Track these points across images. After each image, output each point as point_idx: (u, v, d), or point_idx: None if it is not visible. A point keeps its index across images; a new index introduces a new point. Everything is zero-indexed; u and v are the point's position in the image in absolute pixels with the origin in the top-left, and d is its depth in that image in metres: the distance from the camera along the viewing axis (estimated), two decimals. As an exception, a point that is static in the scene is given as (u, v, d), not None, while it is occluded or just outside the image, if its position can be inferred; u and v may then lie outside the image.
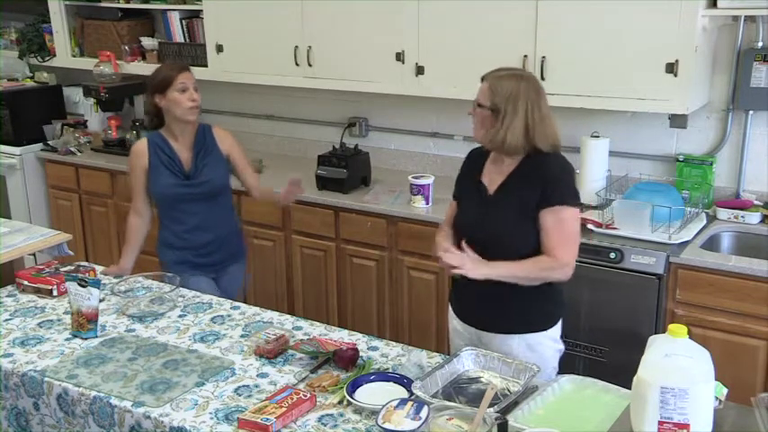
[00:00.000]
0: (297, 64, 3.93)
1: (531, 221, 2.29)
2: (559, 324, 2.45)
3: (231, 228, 3.17)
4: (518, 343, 2.37)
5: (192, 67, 4.35)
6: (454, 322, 2.55)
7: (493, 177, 2.39)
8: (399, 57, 3.64)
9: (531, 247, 2.31)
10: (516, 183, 2.33)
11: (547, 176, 2.29)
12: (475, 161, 2.48)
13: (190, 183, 3.01)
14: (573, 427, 1.85)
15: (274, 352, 2.29)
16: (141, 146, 3.05)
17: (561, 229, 2.28)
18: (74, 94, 5.08)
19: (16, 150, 4.74)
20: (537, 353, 2.36)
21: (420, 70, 3.61)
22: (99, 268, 3.00)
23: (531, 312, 2.38)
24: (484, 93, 2.30)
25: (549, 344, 2.41)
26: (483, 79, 2.34)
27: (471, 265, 2.27)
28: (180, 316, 2.61)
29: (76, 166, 4.63)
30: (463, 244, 2.34)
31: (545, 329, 2.40)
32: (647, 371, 1.65)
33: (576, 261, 3.08)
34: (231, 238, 3.16)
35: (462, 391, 2.07)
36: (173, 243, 3.07)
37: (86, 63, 4.79)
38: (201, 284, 2.97)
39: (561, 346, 2.47)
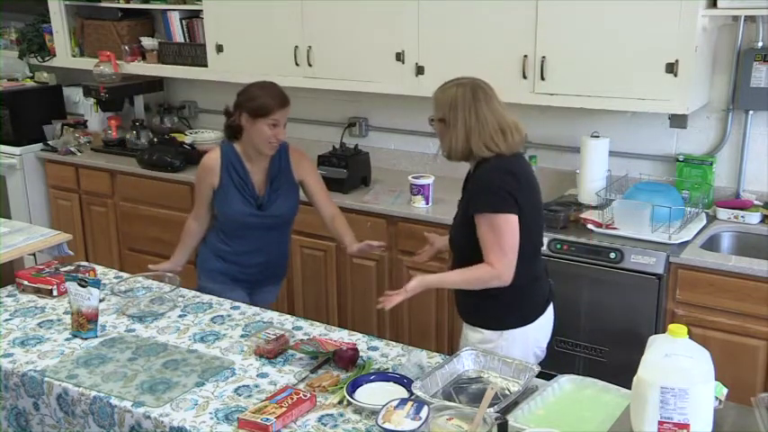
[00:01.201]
0: (297, 64, 3.93)
1: (471, 227, 2.34)
2: (523, 330, 2.44)
3: (283, 252, 3.10)
4: (474, 335, 2.46)
5: (191, 67, 4.43)
6: None
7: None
8: (399, 57, 3.64)
9: (478, 252, 2.34)
10: (464, 189, 2.45)
11: (474, 183, 2.37)
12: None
13: (262, 213, 2.90)
14: (573, 427, 1.85)
15: (274, 352, 2.29)
16: (213, 161, 2.90)
17: (489, 235, 2.30)
18: (74, 94, 5.08)
19: (16, 150, 4.73)
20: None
21: (420, 70, 3.61)
22: (99, 268, 3.00)
23: (484, 308, 2.44)
24: (433, 107, 2.41)
25: (503, 344, 2.41)
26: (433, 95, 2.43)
27: (411, 285, 2.38)
28: (180, 316, 2.61)
29: (76, 166, 4.63)
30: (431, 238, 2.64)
31: (497, 329, 2.43)
32: (647, 371, 1.65)
33: (577, 261, 3.09)
34: (280, 262, 3.09)
35: (462, 391, 2.07)
36: (224, 256, 2.97)
37: (86, 63, 4.79)
38: (237, 299, 2.92)
39: (529, 351, 2.45)
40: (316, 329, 2.50)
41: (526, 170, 2.43)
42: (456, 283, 2.44)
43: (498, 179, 2.32)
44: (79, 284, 2.44)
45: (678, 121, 3.34)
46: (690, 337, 1.68)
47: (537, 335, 2.51)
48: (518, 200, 2.32)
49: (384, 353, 2.32)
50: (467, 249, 2.38)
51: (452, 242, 2.52)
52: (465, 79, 2.39)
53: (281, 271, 3.15)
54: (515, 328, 2.44)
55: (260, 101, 2.78)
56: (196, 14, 4.43)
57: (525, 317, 2.46)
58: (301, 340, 2.34)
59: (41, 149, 4.79)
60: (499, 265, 2.30)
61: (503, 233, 2.30)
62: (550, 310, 2.56)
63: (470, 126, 2.31)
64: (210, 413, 2.00)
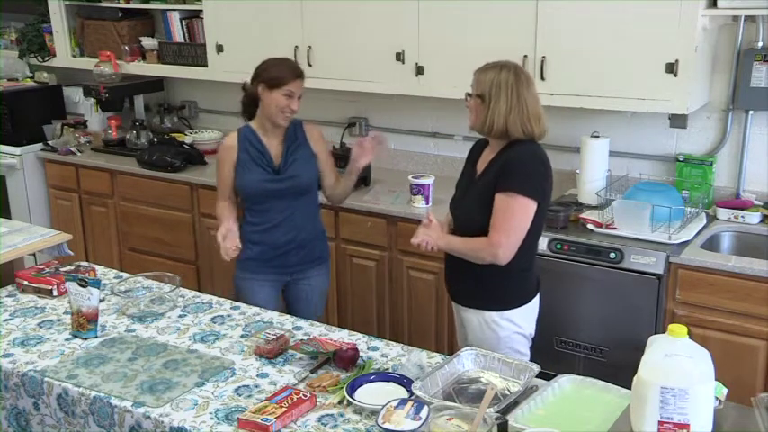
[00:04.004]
0: (297, 64, 3.93)
1: (490, 206, 2.44)
2: (522, 309, 2.55)
3: (314, 230, 3.06)
4: (476, 318, 2.56)
5: (191, 67, 4.43)
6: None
7: (482, 164, 2.58)
8: (399, 57, 3.64)
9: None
10: (490, 169, 2.51)
11: (507, 162, 2.45)
12: (475, 151, 2.67)
13: (278, 178, 2.94)
14: (573, 427, 1.85)
15: (274, 352, 2.29)
16: (231, 140, 2.99)
17: (504, 213, 2.41)
18: (74, 94, 5.08)
19: (16, 150, 4.73)
20: (492, 331, 2.53)
21: (420, 70, 3.61)
22: (99, 268, 3.00)
23: (485, 290, 2.53)
24: (473, 84, 2.54)
25: (505, 325, 2.53)
26: (474, 74, 2.56)
27: (424, 236, 2.52)
28: (180, 316, 2.61)
29: (76, 166, 4.63)
30: (431, 214, 2.60)
31: (498, 309, 2.53)
32: (647, 371, 1.65)
33: (577, 261, 3.09)
34: (312, 242, 3.04)
35: (462, 391, 2.07)
36: (252, 238, 2.97)
37: (86, 63, 4.79)
38: (261, 295, 2.92)
39: (525, 331, 2.57)
40: (316, 329, 2.50)
41: (549, 160, 2.54)
42: (459, 249, 2.52)
43: (535, 166, 2.47)
44: (79, 284, 2.44)
45: (678, 121, 3.33)
46: (690, 337, 1.68)
47: (530, 316, 2.61)
48: (545, 190, 2.49)
49: (384, 353, 2.32)
50: (485, 229, 2.44)
51: (467, 223, 2.55)
52: (503, 62, 2.52)
53: (318, 251, 3.08)
54: (514, 308, 2.54)
55: (276, 72, 2.91)
56: (196, 14, 4.43)
57: (523, 298, 2.57)
58: (301, 340, 2.34)
59: (41, 149, 4.78)
60: (503, 244, 2.41)
61: (517, 216, 2.42)
62: (538, 297, 2.64)
63: (511, 106, 2.43)
64: (210, 413, 2.00)
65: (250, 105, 3.01)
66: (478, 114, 2.49)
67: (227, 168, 2.99)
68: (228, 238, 2.83)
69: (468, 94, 2.54)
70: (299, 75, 2.92)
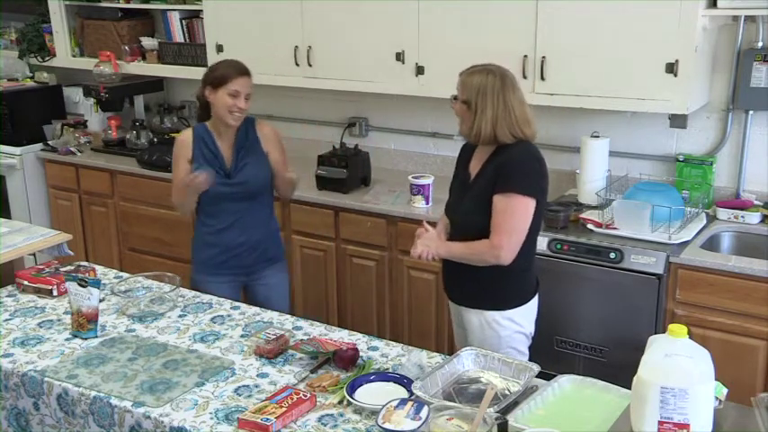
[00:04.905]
0: (297, 64, 3.93)
1: (489, 207, 2.43)
2: (522, 309, 2.55)
3: (268, 230, 3.07)
4: (477, 318, 2.56)
5: (191, 67, 4.43)
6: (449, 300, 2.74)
7: (475, 166, 2.56)
8: (399, 57, 3.64)
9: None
10: (485, 171, 2.49)
11: (504, 163, 2.43)
12: (466, 152, 2.65)
13: (230, 182, 2.94)
14: (573, 427, 1.85)
15: (274, 352, 2.29)
16: (186, 137, 3.01)
17: (503, 214, 2.40)
18: (74, 94, 5.08)
19: (16, 150, 4.73)
20: (493, 330, 2.52)
21: (420, 70, 3.61)
22: (99, 268, 3.00)
23: (486, 292, 2.53)
24: (458, 87, 2.50)
25: (506, 324, 2.53)
26: (459, 76, 2.52)
27: (423, 246, 2.49)
28: (180, 316, 2.61)
29: (76, 166, 4.63)
30: (425, 224, 2.57)
31: (499, 309, 2.53)
32: (647, 371, 1.65)
33: (577, 261, 3.09)
34: (266, 242, 3.06)
35: (462, 391, 2.07)
36: (209, 240, 3.00)
37: (86, 63, 4.79)
38: (222, 292, 2.92)
39: (525, 330, 2.57)
40: (316, 329, 2.50)
41: (544, 158, 2.53)
42: (461, 254, 2.50)
43: (532, 164, 2.45)
44: (79, 284, 2.44)
45: (678, 121, 3.34)
46: (690, 337, 1.68)
47: (530, 316, 2.61)
48: (543, 188, 2.48)
49: (384, 353, 2.32)
50: (486, 231, 2.43)
51: (467, 225, 2.52)
52: (493, 66, 2.49)
53: (272, 252, 3.10)
54: (515, 308, 2.54)
55: (219, 71, 2.93)
56: (196, 14, 4.43)
57: (523, 297, 2.57)
58: (301, 340, 2.34)
59: (41, 149, 4.79)
60: (505, 245, 2.40)
61: (517, 216, 2.40)
62: (537, 296, 2.64)
63: (498, 113, 2.41)
64: (210, 413, 2.00)
65: (203, 114, 3.02)
66: (465, 121, 2.48)
67: (184, 165, 2.98)
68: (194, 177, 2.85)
69: (455, 97, 2.51)
70: (242, 72, 2.91)
